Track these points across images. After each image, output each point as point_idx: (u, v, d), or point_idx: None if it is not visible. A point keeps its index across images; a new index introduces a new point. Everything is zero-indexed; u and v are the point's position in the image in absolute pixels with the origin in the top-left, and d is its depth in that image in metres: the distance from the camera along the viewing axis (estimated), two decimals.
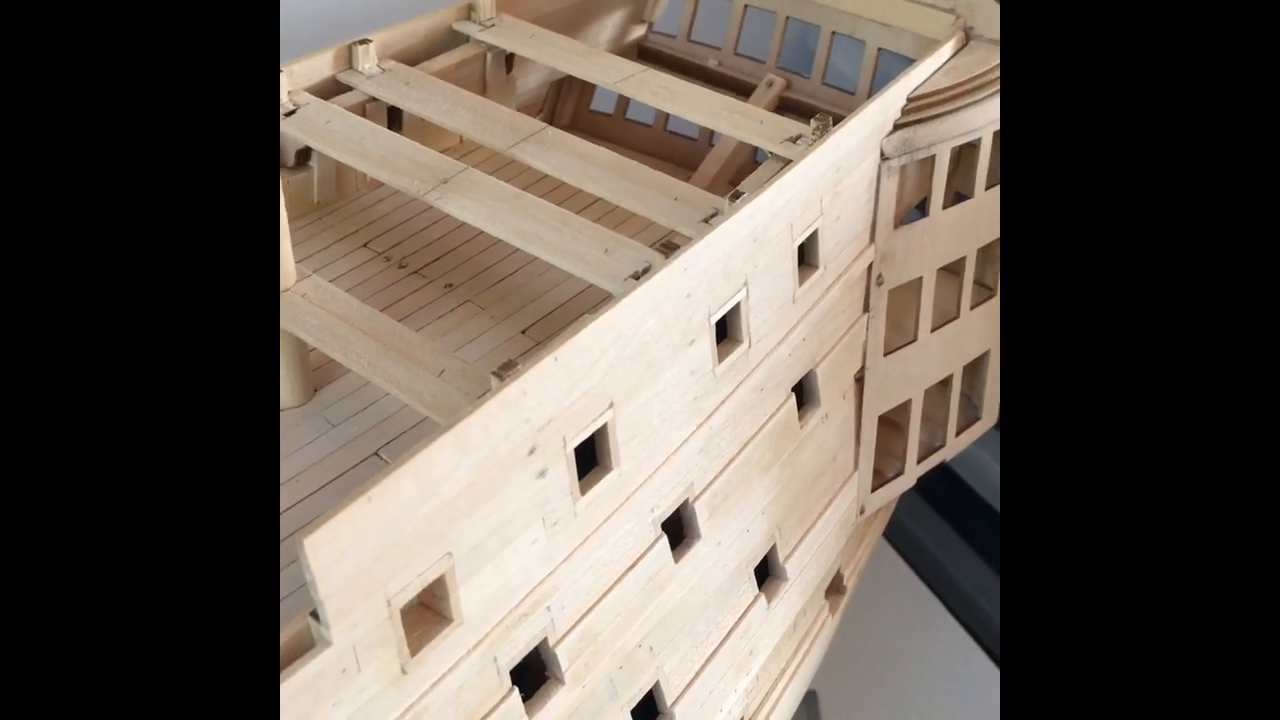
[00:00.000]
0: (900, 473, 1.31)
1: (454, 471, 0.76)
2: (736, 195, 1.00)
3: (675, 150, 1.55)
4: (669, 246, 0.94)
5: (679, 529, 1.02)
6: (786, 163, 1.05)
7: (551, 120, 1.63)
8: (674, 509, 0.99)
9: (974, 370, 1.38)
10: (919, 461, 1.32)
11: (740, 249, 0.98)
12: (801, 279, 1.09)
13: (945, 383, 1.34)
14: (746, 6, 1.49)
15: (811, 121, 1.09)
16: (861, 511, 1.28)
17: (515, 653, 0.85)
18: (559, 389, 0.83)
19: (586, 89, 1.55)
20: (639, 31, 1.56)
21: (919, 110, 1.17)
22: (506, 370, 0.80)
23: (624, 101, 1.54)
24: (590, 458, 0.91)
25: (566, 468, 0.85)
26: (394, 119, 1.24)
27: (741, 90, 1.49)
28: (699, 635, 1.04)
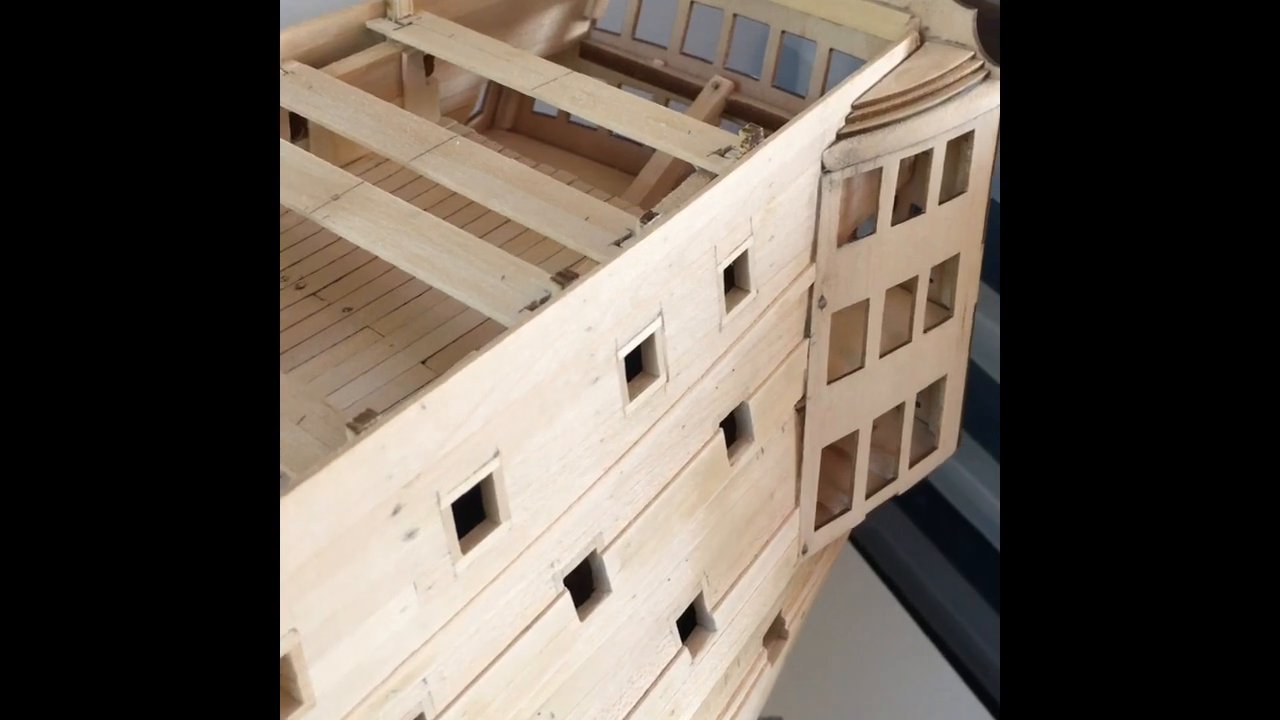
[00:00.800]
0: (848, 508, 1.22)
1: (299, 539, 0.67)
2: (649, 216, 0.90)
3: (620, 155, 1.45)
4: (566, 275, 0.85)
5: (589, 582, 0.93)
6: (713, 178, 0.95)
7: (493, 124, 1.54)
8: (579, 561, 0.90)
9: (931, 396, 1.29)
10: (868, 496, 1.23)
11: (653, 276, 0.89)
12: (730, 305, 0.99)
13: (901, 410, 1.25)
14: (693, 3, 1.39)
15: (740, 132, 0.99)
16: (804, 551, 1.18)
17: None
18: (429, 440, 0.74)
19: None
20: (581, 29, 1.46)
21: (864, 119, 1.07)
22: (363, 422, 0.71)
23: None
24: (477, 510, 0.82)
25: (442, 525, 0.76)
26: (299, 126, 1.14)
27: (688, 92, 1.40)
28: (610, 697, 0.95)
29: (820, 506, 1.20)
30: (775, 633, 1.20)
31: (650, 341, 0.91)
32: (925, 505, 1.99)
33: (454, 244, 0.92)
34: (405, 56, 1.21)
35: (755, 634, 1.14)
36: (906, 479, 1.26)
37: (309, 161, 1.00)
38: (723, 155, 1.01)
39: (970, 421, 1.86)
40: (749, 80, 1.37)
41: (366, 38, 1.21)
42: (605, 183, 1.40)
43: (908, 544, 2.06)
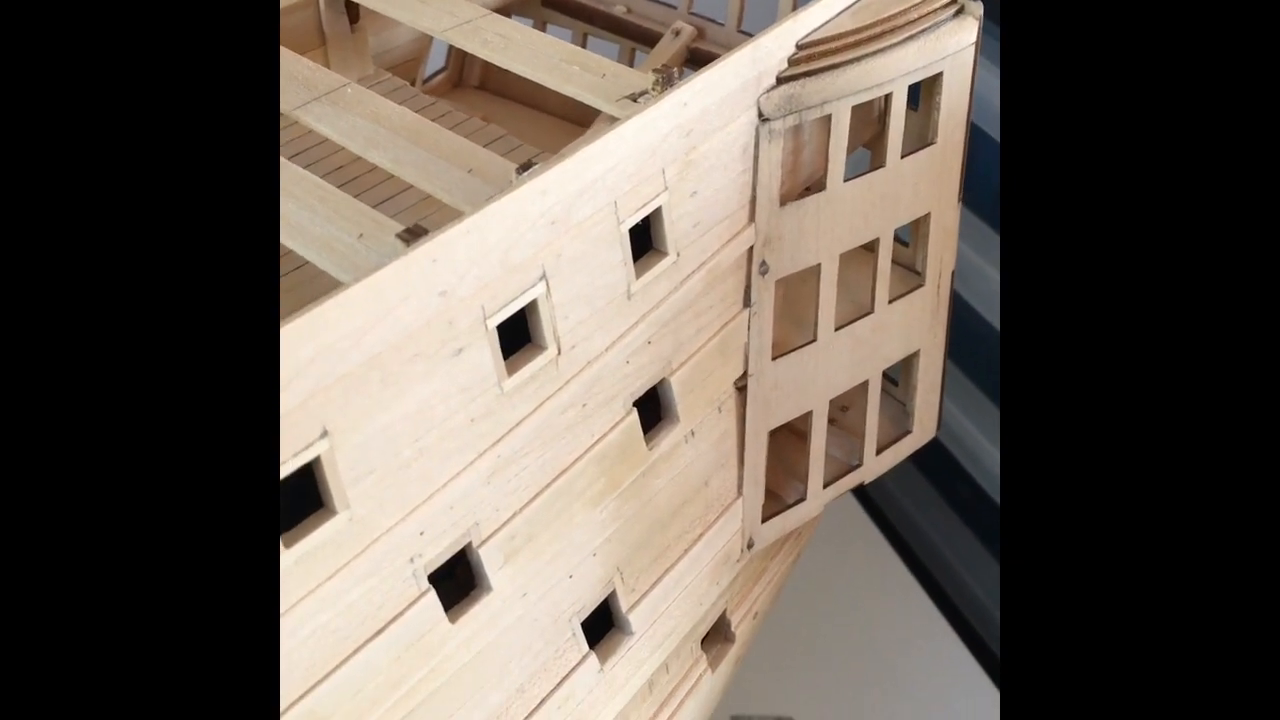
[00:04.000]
0: (803, 498, 1.09)
1: None
2: (527, 167, 0.79)
3: (589, 110, 1.34)
4: (414, 232, 0.74)
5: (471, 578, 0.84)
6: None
7: (460, 81, 1.44)
8: (450, 556, 0.81)
9: (908, 373, 1.16)
10: (827, 485, 1.10)
11: (529, 235, 0.78)
12: (643, 269, 0.88)
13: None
14: None
15: (652, 73, 0.88)
16: (750, 545, 1.06)
17: None
18: None
19: None
20: None
21: (809, 60, 0.95)
22: None
23: None
24: (314, 497, 0.72)
25: None
26: None
27: (652, 41, 1.28)
28: (492, 709, 0.85)
29: (773, 495, 1.08)
30: (719, 634, 1.08)
31: (533, 309, 0.81)
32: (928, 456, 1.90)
33: (315, 198, 0.82)
34: (322, 2, 1.11)
35: (690, 636, 1.03)
36: (873, 467, 1.13)
37: None
38: (634, 100, 0.89)
39: (972, 370, 1.74)
40: (715, 26, 1.25)
41: None
42: (567, 141, 1.29)
43: (907, 490, 1.95)
